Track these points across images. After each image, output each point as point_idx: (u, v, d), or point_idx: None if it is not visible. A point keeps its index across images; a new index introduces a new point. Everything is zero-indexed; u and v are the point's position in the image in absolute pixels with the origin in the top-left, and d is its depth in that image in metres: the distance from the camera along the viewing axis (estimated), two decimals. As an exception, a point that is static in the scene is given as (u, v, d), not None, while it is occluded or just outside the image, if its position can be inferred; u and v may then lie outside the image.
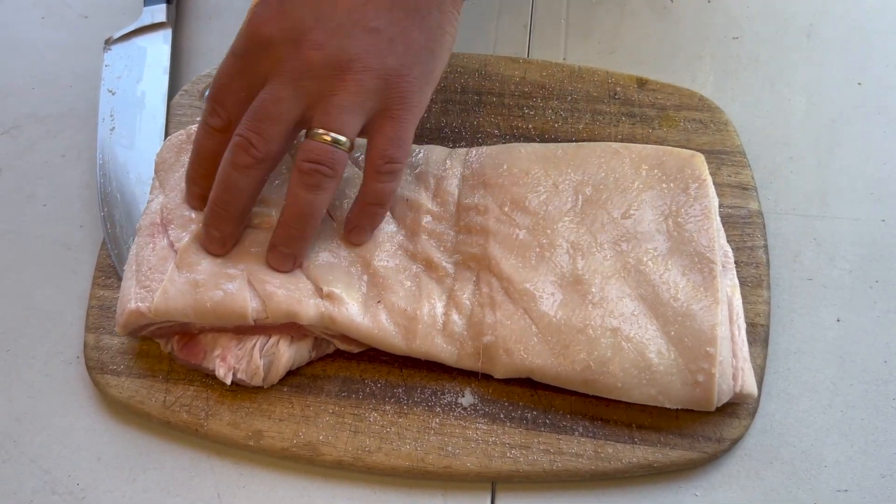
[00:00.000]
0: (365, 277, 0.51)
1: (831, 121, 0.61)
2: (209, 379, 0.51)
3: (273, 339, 0.50)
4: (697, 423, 0.49)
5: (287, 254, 0.50)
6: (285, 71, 0.47)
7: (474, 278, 0.51)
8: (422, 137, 0.59)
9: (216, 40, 0.68)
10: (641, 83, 0.61)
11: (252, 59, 0.48)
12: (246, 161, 0.47)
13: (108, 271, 0.55)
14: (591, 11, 0.68)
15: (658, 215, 0.52)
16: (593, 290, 0.50)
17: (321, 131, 0.47)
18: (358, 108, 0.47)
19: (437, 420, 0.50)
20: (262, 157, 0.47)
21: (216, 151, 0.49)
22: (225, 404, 0.50)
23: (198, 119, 0.60)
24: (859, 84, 0.63)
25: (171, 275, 0.49)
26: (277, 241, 0.49)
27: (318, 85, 0.47)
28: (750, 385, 0.48)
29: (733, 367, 0.47)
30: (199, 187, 0.51)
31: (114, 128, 0.61)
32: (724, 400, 0.47)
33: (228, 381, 0.49)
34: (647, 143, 0.57)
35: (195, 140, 0.51)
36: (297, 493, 0.49)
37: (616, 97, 0.61)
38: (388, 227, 0.53)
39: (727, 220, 0.55)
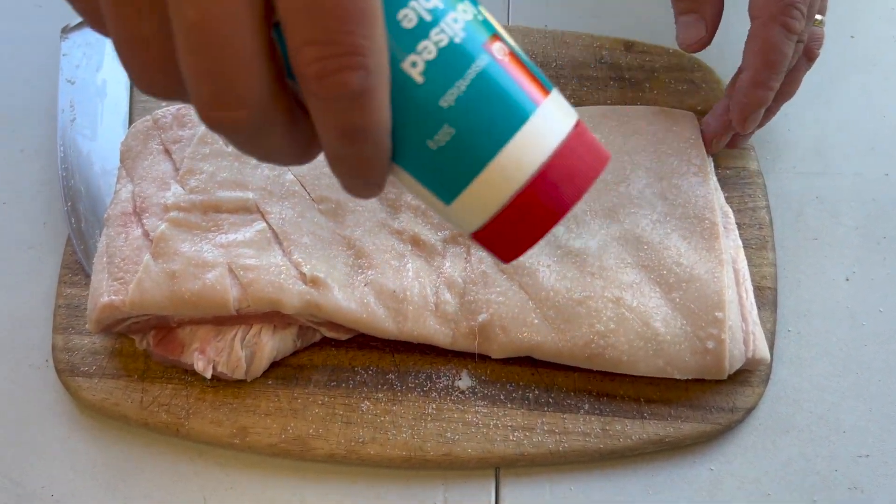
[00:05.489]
0: (349, 259, 0.48)
1: (826, 76, 0.59)
2: (188, 375, 0.48)
3: (255, 329, 0.47)
4: (708, 394, 0.46)
5: (757, 115, 0.49)
6: None
7: (465, 254, 0.49)
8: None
9: (180, 23, 0.64)
10: (628, 46, 0.59)
11: None
12: (800, 28, 0.48)
13: (75, 268, 0.52)
14: (571, -23, 0.65)
15: (653, 178, 0.49)
16: (591, 259, 0.47)
17: (820, 17, 0.50)
18: None
19: (434, 405, 0.47)
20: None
21: (792, 57, 0.48)
22: (206, 401, 0.47)
23: (163, 105, 0.57)
24: (852, 37, 0.61)
25: (147, 265, 0.46)
26: (749, 109, 0.49)
27: None
28: (762, 350, 0.45)
29: (744, 332, 0.45)
30: (772, 92, 0.49)
31: (74, 119, 0.58)
32: (737, 367, 0.45)
33: (208, 375, 0.46)
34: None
35: (771, 49, 0.47)
36: (288, 492, 0.46)
37: (603, 61, 0.58)
38: (370, 203, 0.50)
39: (726, 182, 0.53)
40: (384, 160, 0.31)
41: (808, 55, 0.49)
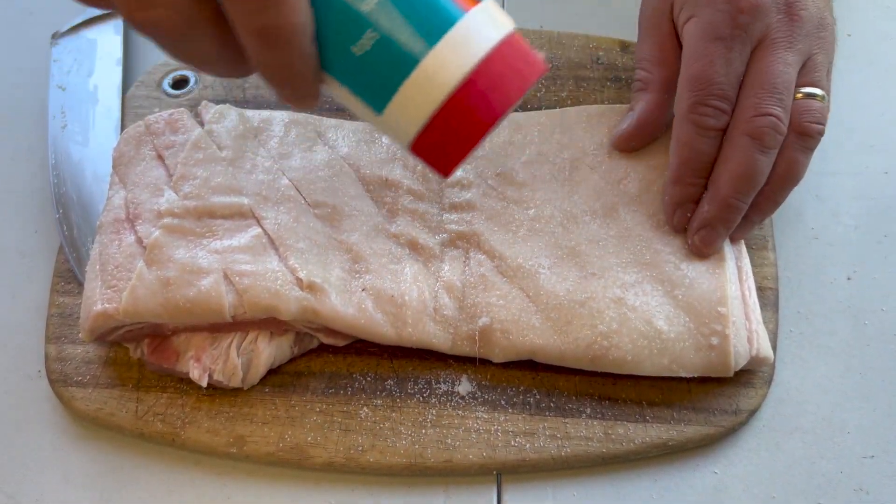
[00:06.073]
0: (346, 264, 0.47)
1: (823, 74, 0.59)
2: (184, 384, 0.47)
3: (251, 336, 0.47)
4: (711, 396, 0.46)
5: (723, 232, 0.46)
6: (782, 35, 0.45)
7: (464, 258, 0.48)
8: (397, 115, 0.56)
9: (171, 28, 0.64)
10: (624, 46, 0.58)
11: (740, 36, 0.45)
12: (776, 142, 0.45)
13: (68, 277, 0.51)
14: (565, -22, 0.65)
15: (652, 176, 0.49)
16: (592, 260, 0.46)
17: (814, 90, 0.46)
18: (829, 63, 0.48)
19: (434, 412, 0.46)
20: (785, 131, 0.45)
21: (713, 154, 0.46)
22: (202, 410, 0.46)
23: (156, 110, 0.56)
24: (849, 35, 0.61)
25: (140, 272, 0.45)
26: (713, 219, 0.45)
27: (808, 45, 0.46)
28: (766, 349, 0.45)
29: (747, 330, 0.45)
30: (694, 188, 0.46)
31: (65, 125, 0.57)
32: (742, 364, 0.44)
33: (204, 384, 0.45)
34: (634, 106, 0.54)
35: (682, 146, 0.46)
36: (286, 501, 0.45)
37: (599, 62, 0.58)
38: (367, 207, 0.49)
39: (725, 181, 0.52)
40: (308, 66, 0.31)
41: (799, 130, 0.45)
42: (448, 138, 0.31)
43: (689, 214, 0.47)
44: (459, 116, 0.31)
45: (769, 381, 0.47)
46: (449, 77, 0.30)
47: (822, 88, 0.46)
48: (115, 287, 0.46)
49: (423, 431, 0.45)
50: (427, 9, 0.30)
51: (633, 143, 0.49)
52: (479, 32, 0.31)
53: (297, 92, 0.32)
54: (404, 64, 0.30)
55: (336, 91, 0.33)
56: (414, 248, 0.48)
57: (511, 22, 0.32)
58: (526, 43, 0.33)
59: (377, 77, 0.31)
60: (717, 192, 0.45)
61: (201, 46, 0.31)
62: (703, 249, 0.46)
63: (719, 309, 0.44)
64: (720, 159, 0.46)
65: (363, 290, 0.46)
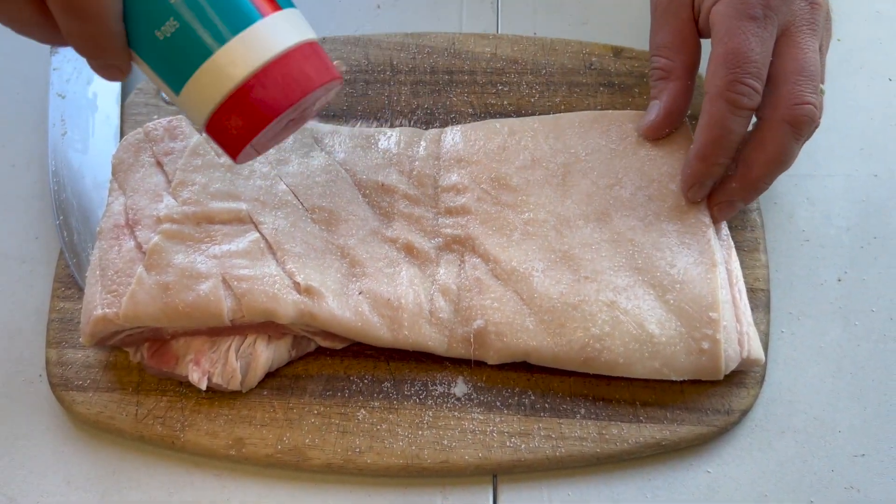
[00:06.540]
0: (343, 268, 0.48)
1: (813, 79, 0.60)
2: (183, 387, 0.48)
3: (249, 340, 0.47)
4: (704, 396, 0.46)
5: (740, 207, 0.48)
6: (806, 22, 0.47)
7: (459, 261, 0.49)
8: (393, 120, 0.57)
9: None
10: (617, 52, 0.59)
11: (771, 17, 0.46)
12: (811, 131, 0.46)
13: (68, 282, 0.51)
14: (559, -16, 0.66)
15: (644, 181, 0.50)
16: (584, 263, 0.47)
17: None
18: None
19: (430, 413, 0.47)
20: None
21: (742, 133, 0.47)
22: (202, 413, 0.47)
23: (155, 117, 0.57)
24: (839, 40, 0.61)
25: (140, 277, 0.46)
26: (737, 196, 0.48)
27: (821, 35, 0.48)
28: (757, 350, 0.45)
29: (738, 332, 0.45)
30: (719, 167, 0.47)
31: (65, 132, 0.57)
32: (732, 367, 0.45)
33: (203, 387, 0.46)
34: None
35: (714, 124, 0.46)
36: (285, 502, 0.46)
37: (592, 67, 0.58)
38: (363, 212, 0.50)
39: (717, 185, 0.53)
40: (115, 43, 0.35)
41: (792, 122, 0.45)
42: (234, 125, 0.35)
43: (705, 191, 0.48)
44: (243, 108, 0.35)
45: (761, 382, 0.47)
46: (237, 72, 0.34)
47: (823, 82, 0.47)
48: (116, 292, 0.46)
49: (420, 433, 0.46)
50: (228, 7, 0.34)
51: (662, 132, 0.50)
52: (273, 36, 0.35)
53: (105, 63, 0.36)
54: (199, 54, 0.34)
55: (142, 67, 0.37)
56: (410, 251, 0.49)
57: (312, 33, 0.37)
58: (323, 54, 0.37)
59: (176, 61, 0.35)
60: (748, 172, 0.47)
61: (17, 10, 0.35)
62: (719, 218, 0.49)
63: (710, 314, 0.45)
64: (756, 142, 0.46)
65: (360, 293, 0.47)
